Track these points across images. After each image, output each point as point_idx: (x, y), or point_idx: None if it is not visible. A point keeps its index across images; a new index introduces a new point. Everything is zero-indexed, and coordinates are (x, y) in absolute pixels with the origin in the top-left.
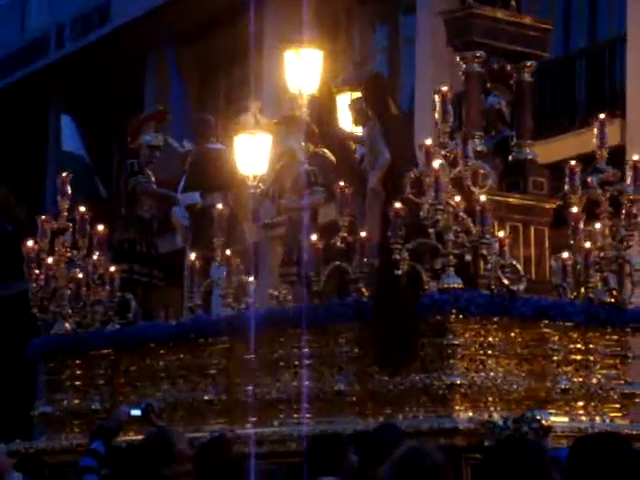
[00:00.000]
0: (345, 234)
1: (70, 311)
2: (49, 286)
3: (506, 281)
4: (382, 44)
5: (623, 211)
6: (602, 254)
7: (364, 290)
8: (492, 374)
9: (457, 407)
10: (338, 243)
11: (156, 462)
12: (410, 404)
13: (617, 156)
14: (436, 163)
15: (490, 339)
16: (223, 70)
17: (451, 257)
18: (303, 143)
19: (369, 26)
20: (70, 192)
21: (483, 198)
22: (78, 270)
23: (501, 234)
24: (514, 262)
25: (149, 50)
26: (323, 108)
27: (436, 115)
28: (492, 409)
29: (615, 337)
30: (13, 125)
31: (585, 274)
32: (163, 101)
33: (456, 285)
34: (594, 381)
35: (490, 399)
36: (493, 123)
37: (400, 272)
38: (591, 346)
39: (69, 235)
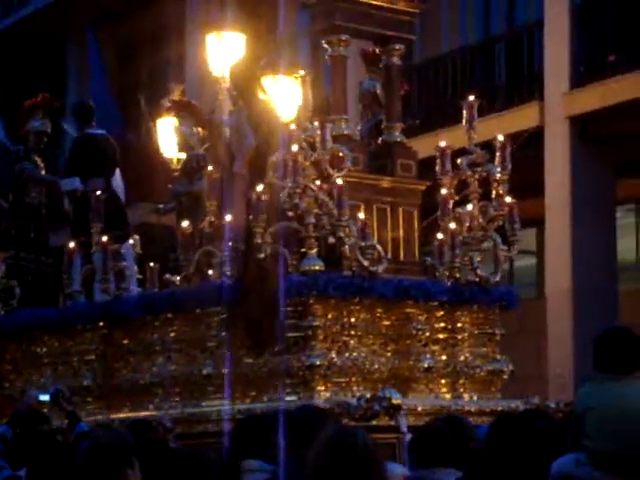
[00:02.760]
0: (212, 218)
1: None
2: None
3: (366, 262)
4: (305, 27)
5: (493, 192)
6: (471, 234)
7: (229, 273)
8: (355, 354)
9: (319, 388)
10: (206, 227)
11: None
12: (275, 386)
13: (536, 137)
14: (294, 147)
15: (353, 320)
16: (145, 52)
17: (312, 240)
18: (195, 128)
19: (291, 8)
20: None
21: (340, 181)
22: None
23: (361, 216)
24: (374, 243)
25: (69, 33)
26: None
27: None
28: (355, 389)
29: (482, 315)
30: None
31: (451, 254)
32: (85, 85)
33: (317, 267)
34: (461, 359)
35: (353, 379)
36: (369, 106)
37: (263, 255)
38: (458, 325)
39: None
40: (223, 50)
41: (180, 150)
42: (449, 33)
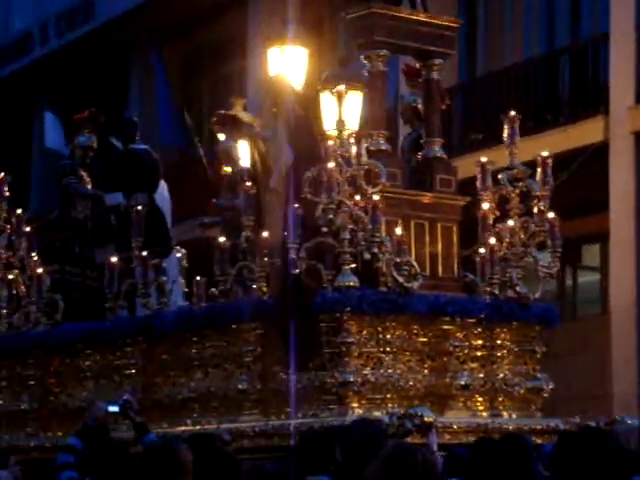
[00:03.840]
0: (249, 234)
1: (5, 312)
2: None
3: (400, 278)
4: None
5: (534, 209)
6: (511, 251)
7: (265, 289)
8: (390, 371)
9: (352, 404)
10: (243, 243)
11: (162, 475)
12: (309, 402)
13: (601, 152)
14: (330, 163)
15: (388, 336)
16: (208, 67)
17: (347, 256)
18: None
19: None
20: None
21: (375, 197)
22: (12, 271)
23: (398, 231)
24: (410, 259)
25: (133, 47)
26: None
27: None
28: (390, 406)
29: (522, 332)
30: None
31: (490, 270)
32: (148, 98)
33: (351, 283)
34: (500, 376)
35: (388, 396)
36: (409, 121)
37: (298, 271)
38: (497, 342)
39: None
40: (285, 64)
41: (225, 164)
42: (512, 46)
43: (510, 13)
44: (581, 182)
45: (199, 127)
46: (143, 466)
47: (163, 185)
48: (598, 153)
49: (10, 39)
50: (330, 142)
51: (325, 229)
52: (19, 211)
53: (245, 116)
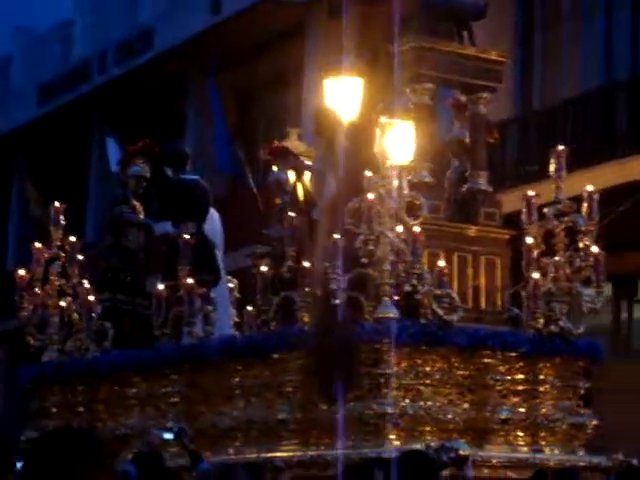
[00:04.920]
0: (291, 263)
1: (57, 339)
2: (37, 314)
3: (440, 311)
4: None
5: (580, 244)
6: (556, 285)
7: (307, 319)
8: (429, 403)
9: (391, 436)
10: (285, 272)
11: None
12: (348, 433)
13: None
14: (370, 195)
15: (428, 368)
16: (264, 96)
17: (387, 287)
18: (290, 173)
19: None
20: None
21: (417, 229)
22: (65, 299)
23: (441, 264)
24: (450, 292)
25: (191, 75)
26: (363, 135)
27: (375, 148)
28: (429, 438)
29: (565, 367)
30: (56, 150)
31: (534, 304)
32: (204, 126)
33: (391, 315)
34: (543, 411)
35: (427, 429)
36: (457, 154)
37: (338, 301)
38: (540, 377)
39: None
40: (341, 94)
41: (276, 195)
42: (569, 78)
43: (567, 45)
44: (637, 215)
45: (254, 157)
46: None
47: (214, 215)
48: None
49: (69, 67)
50: (370, 174)
51: (365, 260)
52: (73, 238)
53: (300, 146)
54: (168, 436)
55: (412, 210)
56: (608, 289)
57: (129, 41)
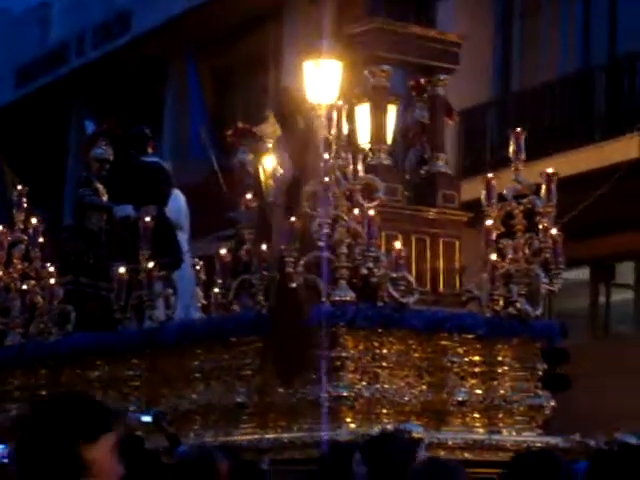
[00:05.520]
0: (249, 246)
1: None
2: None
3: (395, 293)
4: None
5: (540, 225)
6: (515, 267)
7: (263, 302)
8: (386, 386)
9: (347, 419)
10: (243, 256)
11: None
12: (304, 416)
13: (635, 170)
14: (326, 177)
15: (384, 351)
16: (242, 79)
17: (343, 270)
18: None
19: None
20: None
21: (372, 212)
22: (27, 282)
23: (398, 246)
24: (405, 274)
25: (169, 58)
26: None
27: (332, 130)
28: (385, 421)
29: (522, 349)
30: (34, 133)
31: (491, 286)
32: (183, 111)
33: (348, 298)
34: (501, 393)
35: (384, 411)
36: (417, 136)
37: (294, 285)
38: (498, 358)
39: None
40: (320, 77)
41: (241, 177)
42: (548, 62)
43: (546, 29)
44: (615, 199)
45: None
46: (179, 476)
47: (178, 195)
48: (633, 170)
49: (47, 49)
50: (327, 156)
51: (322, 243)
52: (34, 221)
53: (278, 130)
54: (146, 419)
55: (368, 193)
56: (585, 273)
57: (107, 23)
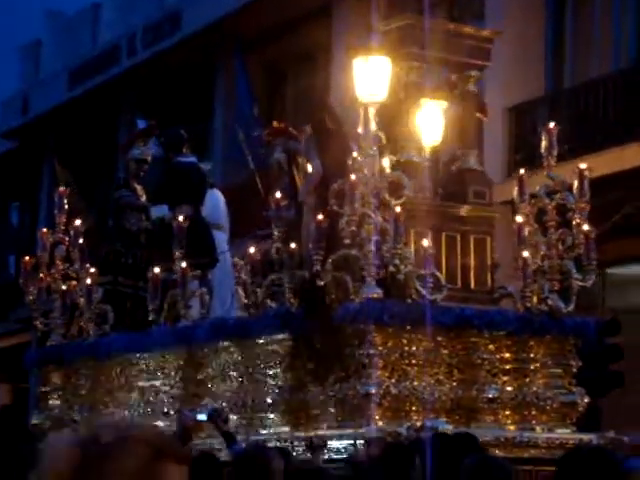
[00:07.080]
0: (279, 245)
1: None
2: (42, 299)
3: (423, 290)
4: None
5: (573, 222)
6: (547, 263)
7: (293, 301)
8: (415, 383)
9: (376, 416)
10: (273, 254)
11: None
12: (333, 414)
13: None
14: (353, 175)
15: (413, 348)
16: (292, 76)
17: (371, 267)
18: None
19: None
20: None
21: (398, 209)
22: (68, 283)
23: (426, 243)
24: (434, 271)
25: (219, 57)
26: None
27: (359, 129)
28: (415, 418)
29: (555, 346)
30: (85, 134)
31: (523, 283)
32: (231, 108)
33: (375, 295)
34: (533, 389)
35: (413, 408)
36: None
37: (322, 283)
38: (531, 355)
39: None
40: (369, 74)
41: (277, 176)
42: (601, 56)
43: (599, 22)
44: None
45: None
46: (235, 474)
47: (216, 195)
48: None
49: (98, 51)
50: (354, 154)
51: (348, 241)
52: (77, 222)
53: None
54: (201, 417)
55: (396, 190)
56: None
57: (157, 23)
